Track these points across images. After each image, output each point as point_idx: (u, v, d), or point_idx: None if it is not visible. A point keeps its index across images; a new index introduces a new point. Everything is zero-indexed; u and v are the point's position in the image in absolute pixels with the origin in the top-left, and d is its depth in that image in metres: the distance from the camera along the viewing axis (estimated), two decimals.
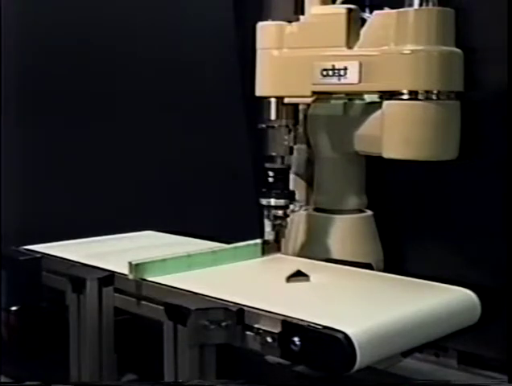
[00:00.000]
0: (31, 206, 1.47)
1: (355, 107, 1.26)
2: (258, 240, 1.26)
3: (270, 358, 0.97)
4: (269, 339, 0.92)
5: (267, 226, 1.26)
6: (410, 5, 1.13)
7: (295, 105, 1.28)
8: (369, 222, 1.31)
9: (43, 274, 1.21)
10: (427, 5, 1.13)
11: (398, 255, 1.34)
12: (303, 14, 1.24)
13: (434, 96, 1.12)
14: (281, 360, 0.94)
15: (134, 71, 1.58)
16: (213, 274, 1.15)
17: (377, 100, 1.20)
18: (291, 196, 1.26)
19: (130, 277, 1.10)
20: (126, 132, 1.57)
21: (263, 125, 1.26)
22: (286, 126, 1.26)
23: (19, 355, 1.19)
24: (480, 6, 1.21)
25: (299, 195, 1.35)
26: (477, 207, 1.26)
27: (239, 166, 1.63)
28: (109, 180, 1.55)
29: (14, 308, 1.18)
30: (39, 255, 1.24)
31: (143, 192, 1.59)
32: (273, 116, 1.25)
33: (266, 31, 1.24)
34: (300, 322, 0.90)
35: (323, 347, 0.87)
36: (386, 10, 1.16)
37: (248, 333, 0.95)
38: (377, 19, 1.16)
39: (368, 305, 1.00)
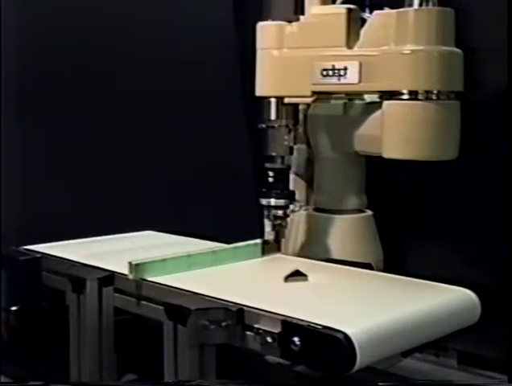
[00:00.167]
0: (31, 206, 1.47)
1: (355, 107, 1.26)
2: (258, 240, 1.26)
3: (270, 358, 0.97)
4: (269, 339, 0.92)
5: (267, 226, 1.26)
6: (410, 5, 1.13)
7: (295, 105, 1.28)
8: (369, 222, 1.31)
9: (43, 274, 1.21)
10: (427, 5, 1.13)
11: (398, 255, 1.34)
12: (303, 14, 1.24)
13: (434, 96, 1.12)
14: (281, 360, 0.94)
15: (134, 71, 1.58)
16: (213, 274, 1.15)
17: (377, 100, 1.20)
18: (291, 196, 1.26)
19: (130, 277, 1.10)
20: (126, 132, 1.57)
21: (263, 125, 1.26)
22: (286, 126, 1.26)
23: (19, 355, 1.19)
24: (480, 6, 1.21)
25: (299, 195, 1.35)
26: (477, 207, 1.26)
27: (239, 166, 1.63)
28: (109, 180, 1.55)
29: (14, 308, 1.18)
30: (39, 255, 1.24)
31: (143, 192, 1.59)
32: (273, 116, 1.25)
33: (266, 31, 1.24)
34: (300, 322, 0.90)
35: (323, 347, 0.87)
36: (386, 10, 1.16)
37: (248, 333, 0.95)
38: (377, 19, 1.16)
39: (368, 305, 1.00)
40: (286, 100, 1.25)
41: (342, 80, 1.16)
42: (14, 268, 1.20)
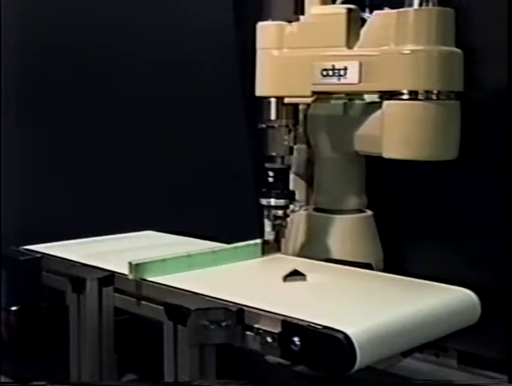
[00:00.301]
0: (31, 206, 1.47)
1: (355, 107, 1.26)
2: (258, 240, 1.26)
3: (270, 358, 0.97)
4: (269, 339, 0.92)
5: (267, 226, 1.26)
6: (410, 5, 1.13)
7: (295, 105, 1.28)
8: (369, 222, 1.31)
9: (43, 274, 1.21)
10: (427, 5, 1.13)
11: (398, 255, 1.34)
12: (303, 14, 1.23)
13: (434, 96, 1.12)
14: (281, 360, 0.94)
15: (134, 71, 1.58)
16: (213, 274, 1.15)
17: (377, 100, 1.20)
18: (291, 196, 1.26)
19: (130, 277, 1.10)
20: (126, 132, 1.57)
21: (263, 125, 1.26)
22: (286, 126, 1.26)
23: (19, 355, 1.19)
24: (480, 6, 1.21)
25: (299, 195, 1.35)
26: (477, 207, 1.26)
27: (239, 166, 1.63)
28: (109, 180, 1.55)
29: (14, 308, 1.18)
30: (39, 255, 1.24)
31: (143, 192, 1.59)
32: (273, 116, 1.25)
33: (266, 31, 1.24)
34: (300, 322, 0.90)
35: (323, 347, 0.87)
36: (386, 10, 1.16)
37: (248, 333, 0.95)
38: (377, 19, 1.16)
39: (368, 305, 1.00)
40: (286, 100, 1.25)
41: (342, 80, 1.16)
42: (14, 268, 1.20)
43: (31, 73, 1.47)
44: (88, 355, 1.10)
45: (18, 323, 1.18)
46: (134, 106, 1.58)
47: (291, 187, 1.29)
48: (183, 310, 0.95)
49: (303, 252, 1.31)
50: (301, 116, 1.31)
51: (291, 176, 1.31)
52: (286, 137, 1.25)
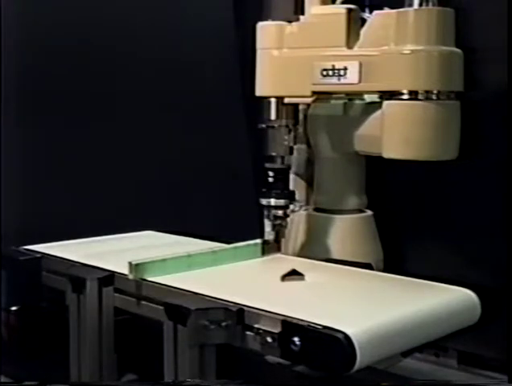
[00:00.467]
0: (31, 206, 1.47)
1: (355, 107, 1.26)
2: (258, 240, 1.26)
3: (270, 358, 0.97)
4: (269, 339, 0.92)
5: (267, 226, 1.26)
6: (410, 5, 1.13)
7: (295, 105, 1.28)
8: (369, 222, 1.31)
9: (43, 274, 1.21)
10: (427, 5, 1.13)
11: (398, 255, 1.34)
12: (303, 14, 1.23)
13: (434, 96, 1.12)
14: (281, 360, 0.94)
15: (134, 71, 1.58)
16: (213, 274, 1.15)
17: (377, 100, 1.20)
18: (291, 196, 1.26)
19: (130, 277, 1.10)
20: (126, 132, 1.57)
21: (263, 125, 1.26)
22: (286, 126, 1.26)
23: (19, 355, 1.19)
24: (480, 6, 1.20)
25: (299, 195, 1.35)
26: (477, 207, 1.26)
27: (239, 166, 1.63)
28: (109, 180, 1.55)
29: (14, 308, 1.18)
30: (39, 255, 1.24)
31: (143, 192, 1.59)
32: (273, 116, 1.25)
33: (266, 31, 1.24)
34: (300, 322, 0.90)
35: (323, 347, 0.87)
36: (386, 10, 1.16)
37: (248, 333, 0.95)
38: (377, 19, 1.16)
39: (368, 305, 1.00)
40: (286, 100, 1.25)
41: (342, 80, 1.16)
42: (14, 268, 1.20)
43: (31, 73, 1.47)
44: (88, 355, 1.10)
45: (18, 323, 1.18)
46: (134, 106, 1.58)
47: (291, 187, 1.29)
48: (183, 310, 0.95)
49: (303, 252, 1.31)
50: (301, 116, 1.31)
51: (291, 176, 1.31)
52: (286, 137, 1.25)
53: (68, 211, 1.50)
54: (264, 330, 0.93)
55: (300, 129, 1.31)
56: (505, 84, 1.19)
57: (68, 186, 1.52)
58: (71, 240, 1.37)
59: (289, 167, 1.27)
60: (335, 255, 1.27)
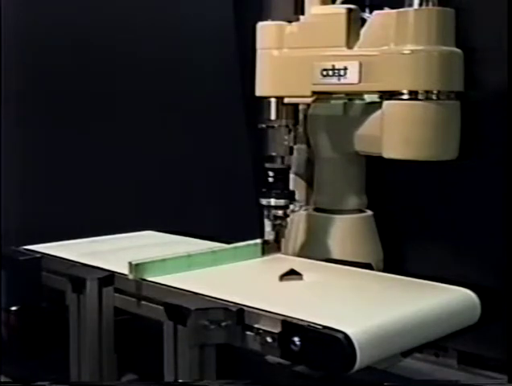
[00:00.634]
0: (31, 206, 1.47)
1: (355, 107, 1.26)
2: (258, 240, 1.26)
3: (270, 358, 0.97)
4: (269, 339, 0.92)
5: (267, 226, 1.26)
6: (410, 5, 1.13)
7: (295, 105, 1.28)
8: (369, 222, 1.31)
9: (43, 274, 1.21)
10: (427, 5, 1.13)
11: (398, 255, 1.34)
12: (303, 14, 1.23)
13: (434, 96, 1.12)
14: (281, 360, 0.94)
15: (134, 71, 1.58)
16: (213, 274, 1.15)
17: (377, 100, 1.20)
18: (291, 196, 1.26)
19: (130, 277, 1.10)
20: (126, 132, 1.57)
21: (263, 125, 1.26)
22: (286, 126, 1.26)
23: (19, 355, 1.19)
24: (480, 6, 1.21)
25: (299, 195, 1.35)
26: (477, 207, 1.26)
27: (239, 166, 1.63)
28: (109, 180, 1.55)
29: (14, 308, 1.18)
30: (39, 255, 1.23)
31: (143, 192, 1.59)
32: (273, 116, 1.25)
33: (266, 31, 1.24)
34: (300, 322, 0.90)
35: (323, 347, 0.87)
36: (386, 10, 1.16)
37: (248, 333, 0.95)
38: (377, 19, 1.16)
39: (368, 305, 1.00)
40: (286, 100, 1.25)
41: (342, 80, 1.16)
42: (14, 268, 1.20)
43: (31, 73, 1.47)
44: (88, 355, 1.10)
45: (18, 323, 1.18)
46: (134, 106, 1.58)
47: (291, 187, 1.29)
48: (183, 310, 0.95)
49: (303, 252, 1.31)
50: (301, 116, 1.31)
51: (291, 176, 1.31)
52: (286, 137, 1.25)
53: (68, 211, 1.50)
54: (264, 330, 0.93)
55: (300, 129, 1.31)
56: (505, 84, 1.19)
57: (68, 186, 1.52)
58: (71, 240, 1.37)
59: (289, 167, 1.27)
60: (335, 255, 1.27)
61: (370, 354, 0.88)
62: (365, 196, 1.33)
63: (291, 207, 1.27)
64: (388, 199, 1.37)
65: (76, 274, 1.12)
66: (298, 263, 1.20)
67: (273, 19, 1.24)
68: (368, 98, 1.25)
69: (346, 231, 1.29)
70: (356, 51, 1.17)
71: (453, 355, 1.28)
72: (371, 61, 1.14)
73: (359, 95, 1.25)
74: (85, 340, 1.10)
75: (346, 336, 0.86)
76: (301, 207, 1.35)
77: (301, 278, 1.11)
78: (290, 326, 0.90)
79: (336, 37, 1.18)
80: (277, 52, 1.23)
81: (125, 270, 1.10)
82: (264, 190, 1.25)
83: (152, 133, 1.59)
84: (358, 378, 0.90)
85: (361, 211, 1.32)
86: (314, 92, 1.21)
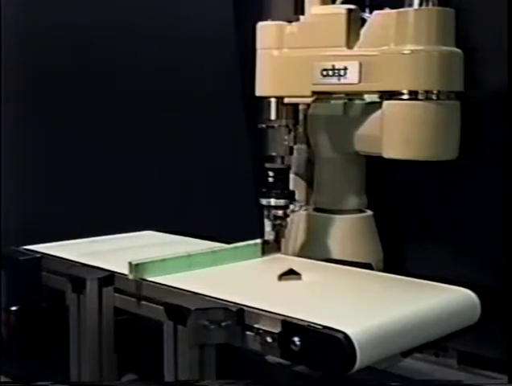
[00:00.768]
0: (31, 206, 1.47)
1: (355, 107, 1.26)
2: (258, 240, 1.26)
3: (270, 358, 0.97)
4: (269, 339, 0.92)
5: (267, 226, 1.26)
6: (410, 5, 1.13)
7: (295, 105, 1.28)
8: (369, 222, 1.31)
9: (43, 274, 1.21)
10: (427, 5, 1.13)
11: (398, 255, 1.34)
12: (303, 14, 1.23)
13: (434, 96, 1.12)
14: (281, 360, 0.94)
15: (134, 71, 1.58)
16: (213, 274, 1.15)
17: (377, 100, 1.20)
18: (291, 196, 1.26)
19: (130, 277, 1.10)
20: (126, 132, 1.57)
21: (263, 125, 1.26)
22: (286, 126, 1.26)
23: (19, 355, 1.19)
24: (480, 6, 1.20)
25: (299, 195, 1.35)
26: (477, 207, 1.26)
27: (239, 166, 1.63)
28: (109, 180, 1.55)
29: (14, 308, 1.18)
30: (39, 255, 1.23)
31: (143, 192, 1.59)
32: (273, 116, 1.25)
33: (266, 31, 1.24)
34: (300, 322, 0.90)
35: (323, 347, 0.87)
36: (386, 10, 1.16)
37: (248, 333, 0.95)
38: (377, 19, 1.16)
39: (368, 305, 1.00)
40: (286, 100, 1.25)
41: (342, 80, 1.16)
42: (14, 268, 1.20)
43: (31, 73, 1.47)
44: (88, 355, 1.10)
45: (18, 323, 1.18)
46: (134, 106, 1.58)
47: (291, 187, 1.29)
48: (183, 310, 0.95)
49: (303, 252, 1.31)
50: (301, 116, 1.31)
51: (291, 176, 1.31)
52: (286, 137, 1.25)
53: (68, 211, 1.50)
54: (264, 330, 0.93)
55: (300, 129, 1.31)
56: (505, 84, 1.19)
57: (68, 186, 1.52)
58: (71, 240, 1.37)
59: (289, 167, 1.27)
60: (335, 255, 1.27)
61: (370, 354, 0.88)
62: (365, 196, 1.33)
63: (291, 207, 1.27)
64: (388, 199, 1.37)
65: (76, 274, 1.12)
66: (298, 263, 1.20)
67: (273, 19, 1.24)
68: (368, 98, 1.25)
69: (346, 231, 1.29)
70: (356, 51, 1.17)
71: (453, 355, 1.28)
72: (371, 61, 1.14)
73: (359, 95, 1.25)
74: (85, 340, 1.10)
75: (346, 336, 0.85)
76: (301, 207, 1.35)
77: (300, 278, 1.11)
78: (290, 326, 0.90)
79: (336, 37, 1.18)
80: (277, 52, 1.23)
81: (125, 270, 1.10)
82: (264, 190, 1.25)
83: (152, 133, 1.59)
84: (358, 378, 0.90)
85: (361, 211, 1.32)
86: (314, 92, 1.21)
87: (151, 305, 1.07)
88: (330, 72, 1.17)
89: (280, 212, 1.25)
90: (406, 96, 1.13)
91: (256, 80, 1.25)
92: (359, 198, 1.32)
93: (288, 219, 1.27)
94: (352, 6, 1.20)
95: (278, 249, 1.27)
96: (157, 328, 0.99)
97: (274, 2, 1.24)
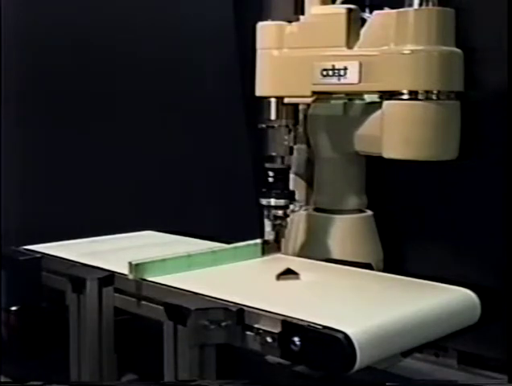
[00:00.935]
0: (31, 206, 1.47)
1: (355, 107, 1.26)
2: (258, 240, 1.26)
3: (270, 358, 0.97)
4: (269, 339, 0.92)
5: (267, 226, 1.26)
6: (410, 5, 1.13)
7: (295, 105, 1.28)
8: (369, 222, 1.31)
9: (43, 274, 1.21)
10: (427, 5, 1.13)
11: (398, 255, 1.34)
12: (303, 14, 1.23)
13: (434, 96, 1.12)
14: (281, 360, 0.94)
15: (134, 71, 1.58)
16: (213, 274, 1.15)
17: (377, 100, 1.20)
18: (291, 196, 1.26)
19: (130, 277, 1.10)
20: (126, 132, 1.57)
21: (263, 125, 1.26)
22: (286, 126, 1.26)
23: (19, 355, 1.19)
24: (480, 6, 1.21)
25: (299, 195, 1.35)
26: (477, 207, 1.26)
27: (239, 166, 1.63)
28: (109, 180, 1.55)
29: (14, 308, 1.18)
30: (39, 255, 1.23)
31: (143, 192, 1.59)
32: (273, 116, 1.25)
33: (266, 31, 1.24)
34: (300, 322, 0.90)
35: (323, 347, 0.87)
36: (386, 10, 1.16)
37: (248, 333, 0.95)
38: (377, 19, 1.16)
39: (368, 305, 1.00)
40: (286, 100, 1.25)
41: (342, 80, 1.16)
42: (14, 268, 1.20)
43: (31, 73, 1.47)
44: (88, 355, 1.10)
45: (18, 323, 1.18)
46: (134, 106, 1.58)
47: (291, 187, 1.29)
48: (183, 310, 0.95)
49: (303, 252, 1.31)
50: (301, 116, 1.31)
51: (291, 176, 1.31)
52: (286, 137, 1.26)
53: (68, 211, 1.50)
54: (264, 330, 0.93)
55: (300, 129, 1.31)
56: (505, 84, 1.19)
57: (67, 186, 1.52)
58: (71, 240, 1.37)
59: (289, 167, 1.27)
60: (335, 255, 1.27)
61: (370, 354, 0.88)
62: (365, 196, 1.33)
63: (291, 207, 1.27)
64: (388, 199, 1.37)
65: (76, 274, 1.13)
66: (298, 263, 1.20)
67: (273, 19, 1.24)
68: (368, 98, 1.25)
69: (346, 231, 1.29)
70: (356, 51, 1.17)
71: (453, 355, 1.28)
72: (371, 61, 1.14)
73: (359, 95, 1.25)
74: (85, 340, 1.10)
75: (346, 336, 0.85)
76: (301, 207, 1.35)
77: (298, 277, 1.11)
78: (290, 326, 0.90)
79: (336, 37, 1.18)
80: (277, 52, 1.23)
81: (125, 270, 1.10)
82: (264, 190, 1.25)
83: (152, 133, 1.59)
84: (358, 378, 0.90)
85: (361, 211, 1.32)
86: (314, 92, 1.21)
87: (151, 305, 1.07)
88: (330, 72, 1.17)
89: (280, 212, 1.25)
90: (406, 96, 1.13)
91: (256, 80, 1.25)
92: (359, 198, 1.32)
93: (288, 219, 1.27)
94: (352, 6, 1.20)
95: (278, 249, 1.27)
96: (157, 328, 0.99)
97: (274, 2, 1.24)
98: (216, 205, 1.64)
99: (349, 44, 1.18)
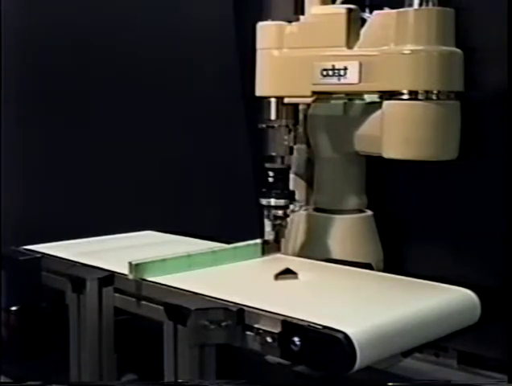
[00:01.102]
0: (31, 206, 1.47)
1: (355, 107, 1.26)
2: (258, 240, 1.26)
3: (270, 358, 0.97)
4: (269, 339, 0.92)
5: (267, 226, 1.26)
6: (410, 5, 1.13)
7: (295, 105, 1.28)
8: (369, 222, 1.31)
9: (43, 274, 1.21)
10: (427, 5, 1.13)
11: (398, 255, 1.34)
12: (303, 14, 1.23)
13: (434, 96, 1.12)
14: (281, 360, 0.94)
15: (134, 71, 1.58)
16: (213, 274, 1.15)
17: (377, 100, 1.20)
18: (291, 196, 1.26)
19: (130, 277, 1.10)
20: (126, 132, 1.57)
21: (263, 125, 1.26)
22: (286, 126, 1.26)
23: (19, 355, 1.19)
24: (480, 6, 1.20)
25: (299, 195, 1.35)
26: (477, 207, 1.26)
27: (239, 166, 1.63)
28: (109, 180, 1.55)
29: (14, 308, 1.18)
30: (39, 255, 1.23)
31: (143, 192, 1.59)
32: (273, 116, 1.25)
33: (266, 31, 1.24)
34: (300, 322, 0.90)
35: (323, 347, 0.87)
36: (386, 10, 1.16)
37: (248, 333, 0.95)
38: (377, 19, 1.16)
39: (368, 305, 1.00)
40: (286, 100, 1.25)
41: (342, 80, 1.16)
42: (14, 268, 1.20)
43: (31, 73, 1.47)
44: (88, 355, 1.10)
45: (18, 323, 1.18)
46: (134, 106, 1.58)
47: (291, 187, 1.29)
48: (183, 310, 0.95)
49: (303, 252, 1.31)
50: (301, 116, 1.31)
51: (291, 176, 1.31)
52: (286, 137, 1.25)
53: (68, 211, 1.50)
54: (264, 330, 0.93)
55: (300, 129, 1.31)
56: (505, 84, 1.19)
57: (67, 187, 1.52)
58: (71, 240, 1.37)
59: (289, 167, 1.27)
60: (335, 255, 1.27)
61: (370, 354, 0.88)
62: (365, 196, 1.33)
63: (291, 207, 1.27)
64: (388, 199, 1.37)
65: (76, 274, 1.13)
66: (298, 263, 1.20)
67: (273, 19, 1.24)
68: (368, 98, 1.25)
69: (346, 231, 1.29)
70: (356, 51, 1.17)
71: (453, 355, 1.28)
72: (371, 61, 1.14)
73: (359, 95, 1.25)
74: (85, 340, 1.10)
75: (346, 336, 0.85)
76: (301, 207, 1.35)
77: (296, 277, 1.11)
78: (290, 326, 0.90)
79: (336, 37, 1.18)
80: (277, 52, 1.23)
81: (125, 270, 1.10)
82: (264, 190, 1.25)
83: (152, 133, 1.59)
84: (358, 378, 0.90)
85: (361, 211, 1.32)
86: (314, 92, 1.21)
87: (151, 305, 1.07)
88: (330, 72, 1.17)
89: (280, 212, 1.25)
90: (406, 96, 1.13)
91: (256, 80, 1.25)
92: (359, 198, 1.32)
93: (288, 219, 1.27)
94: (352, 6, 1.20)
95: (278, 249, 1.27)
96: (157, 328, 0.99)
97: (274, 2, 1.24)
98: (216, 205, 1.64)
99: (349, 44, 1.18)
